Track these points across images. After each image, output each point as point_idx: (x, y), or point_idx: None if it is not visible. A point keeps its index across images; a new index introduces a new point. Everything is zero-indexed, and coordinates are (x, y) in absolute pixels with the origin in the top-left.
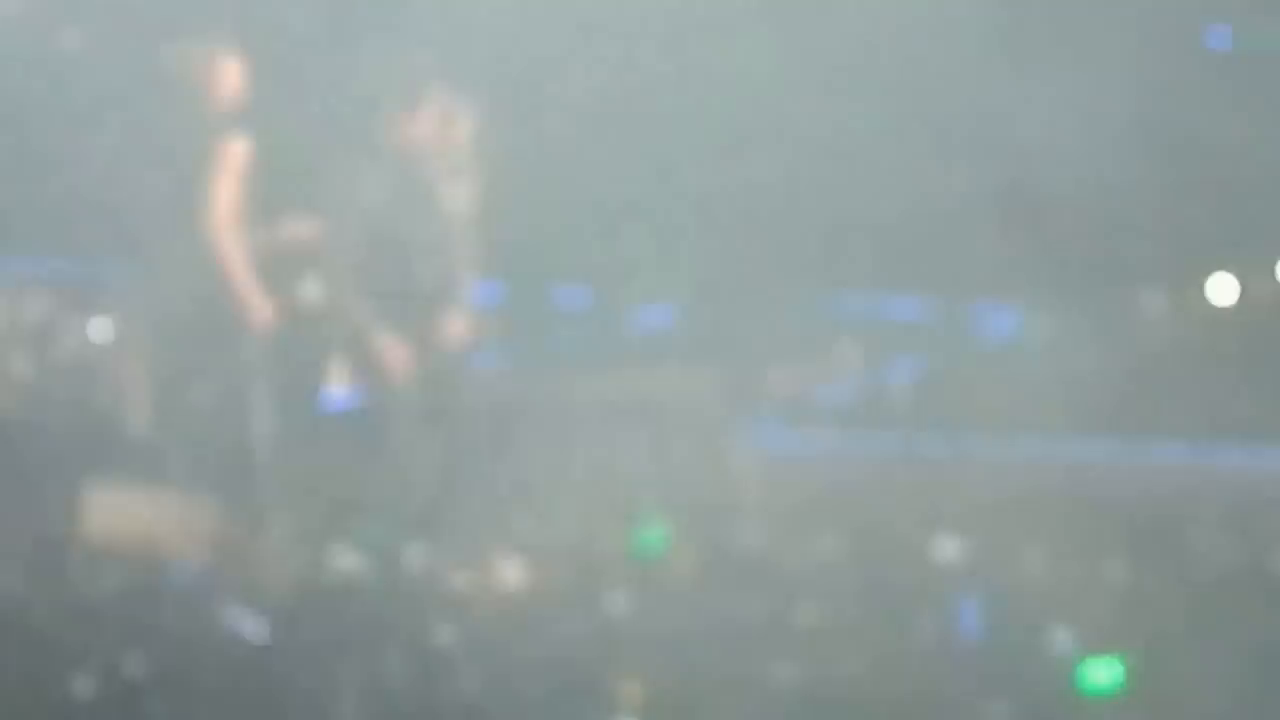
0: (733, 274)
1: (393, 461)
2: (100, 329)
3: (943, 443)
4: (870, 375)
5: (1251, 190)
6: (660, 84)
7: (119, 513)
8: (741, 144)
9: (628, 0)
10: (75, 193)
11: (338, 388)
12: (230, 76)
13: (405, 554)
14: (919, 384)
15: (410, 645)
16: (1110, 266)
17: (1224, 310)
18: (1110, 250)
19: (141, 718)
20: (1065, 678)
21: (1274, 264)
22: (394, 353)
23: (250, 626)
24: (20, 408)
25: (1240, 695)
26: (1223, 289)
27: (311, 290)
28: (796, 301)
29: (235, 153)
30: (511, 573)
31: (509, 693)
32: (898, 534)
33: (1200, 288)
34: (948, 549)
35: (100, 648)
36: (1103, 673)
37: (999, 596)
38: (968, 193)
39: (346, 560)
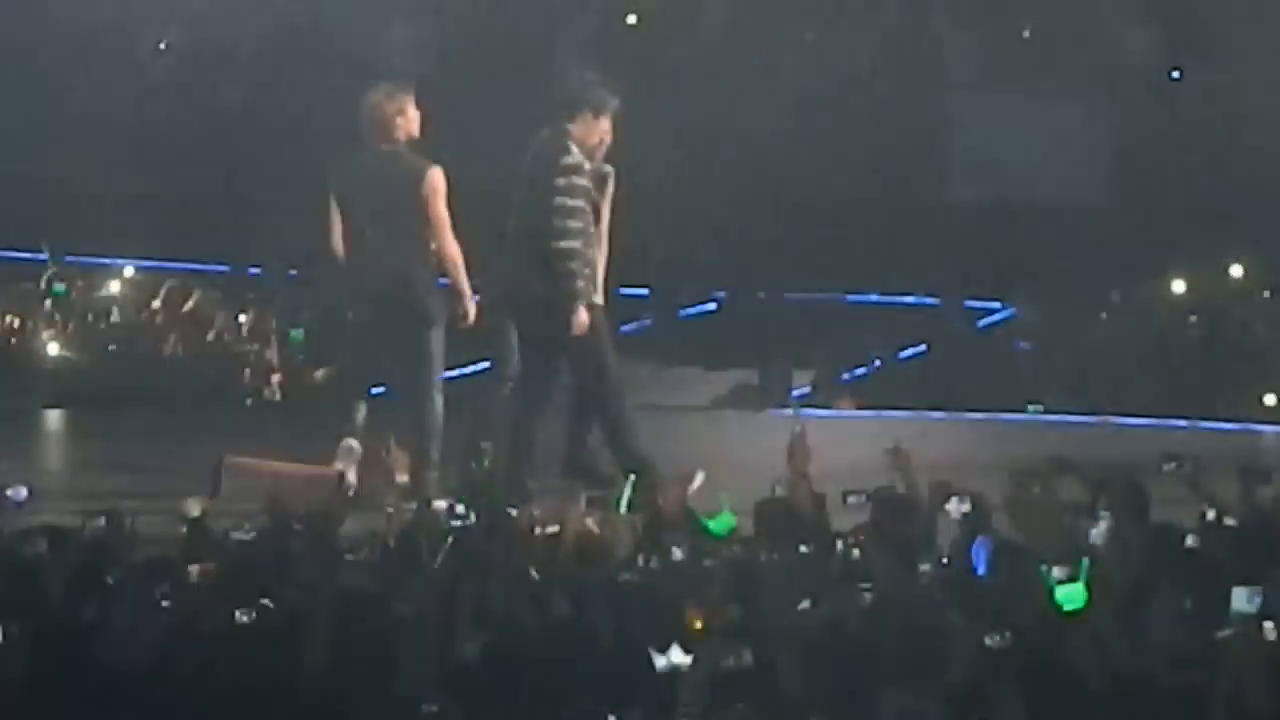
0: (767, 273)
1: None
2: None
3: (948, 415)
4: (887, 359)
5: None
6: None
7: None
8: (771, 156)
9: None
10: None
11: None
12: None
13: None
14: (927, 366)
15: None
16: (1086, 269)
17: (1181, 304)
18: (1087, 255)
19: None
20: (1046, 601)
21: (1227, 265)
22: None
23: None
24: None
25: (1179, 614)
26: (1180, 287)
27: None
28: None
29: (440, 176)
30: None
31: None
32: (914, 494)
33: (1168, 286)
34: (954, 504)
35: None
36: (1072, 595)
37: (997, 542)
38: (968, 207)
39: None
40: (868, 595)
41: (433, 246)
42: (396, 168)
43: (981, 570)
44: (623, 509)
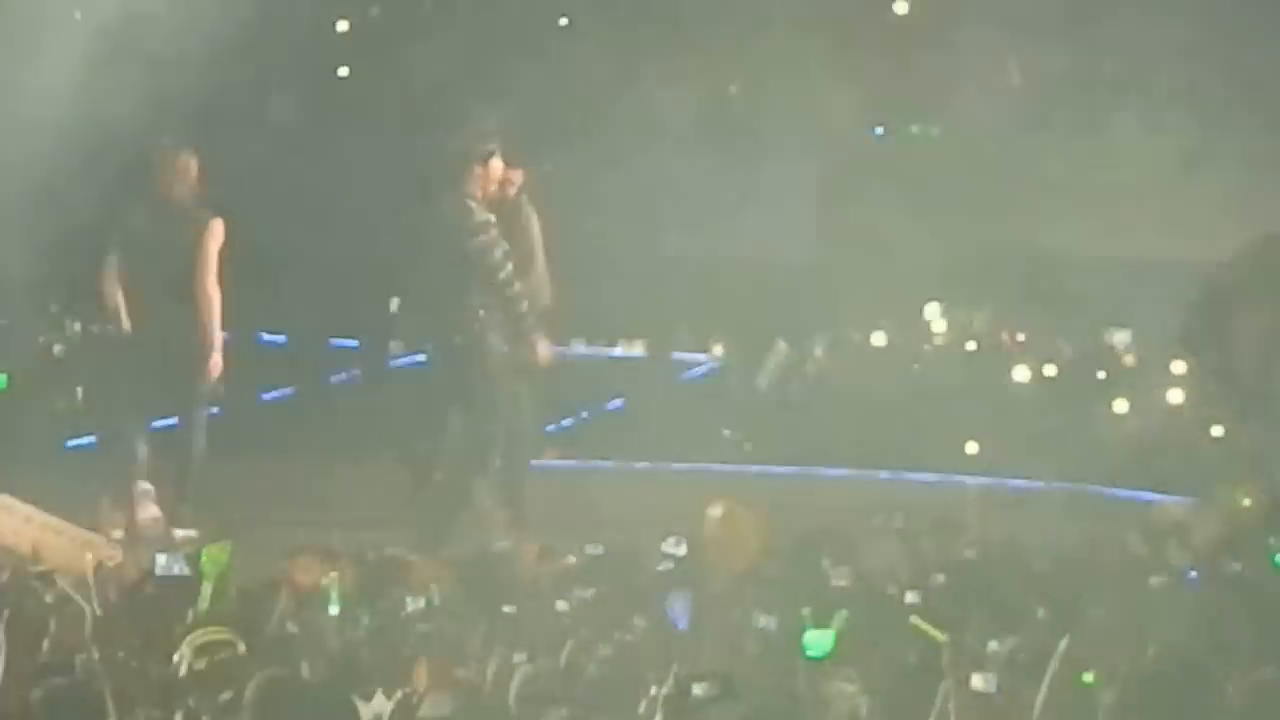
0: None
1: None
2: None
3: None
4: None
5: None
6: None
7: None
8: None
9: None
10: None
11: None
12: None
13: None
14: (631, 416)
15: None
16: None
17: (880, 354)
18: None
19: None
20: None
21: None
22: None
23: None
24: None
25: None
26: (880, 336)
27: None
28: None
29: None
30: None
31: None
32: (633, 538)
33: (866, 336)
34: (670, 543)
35: None
36: (820, 641)
37: (712, 589)
38: (678, 260)
39: None
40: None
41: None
42: (176, 218)
43: (682, 625)
44: None
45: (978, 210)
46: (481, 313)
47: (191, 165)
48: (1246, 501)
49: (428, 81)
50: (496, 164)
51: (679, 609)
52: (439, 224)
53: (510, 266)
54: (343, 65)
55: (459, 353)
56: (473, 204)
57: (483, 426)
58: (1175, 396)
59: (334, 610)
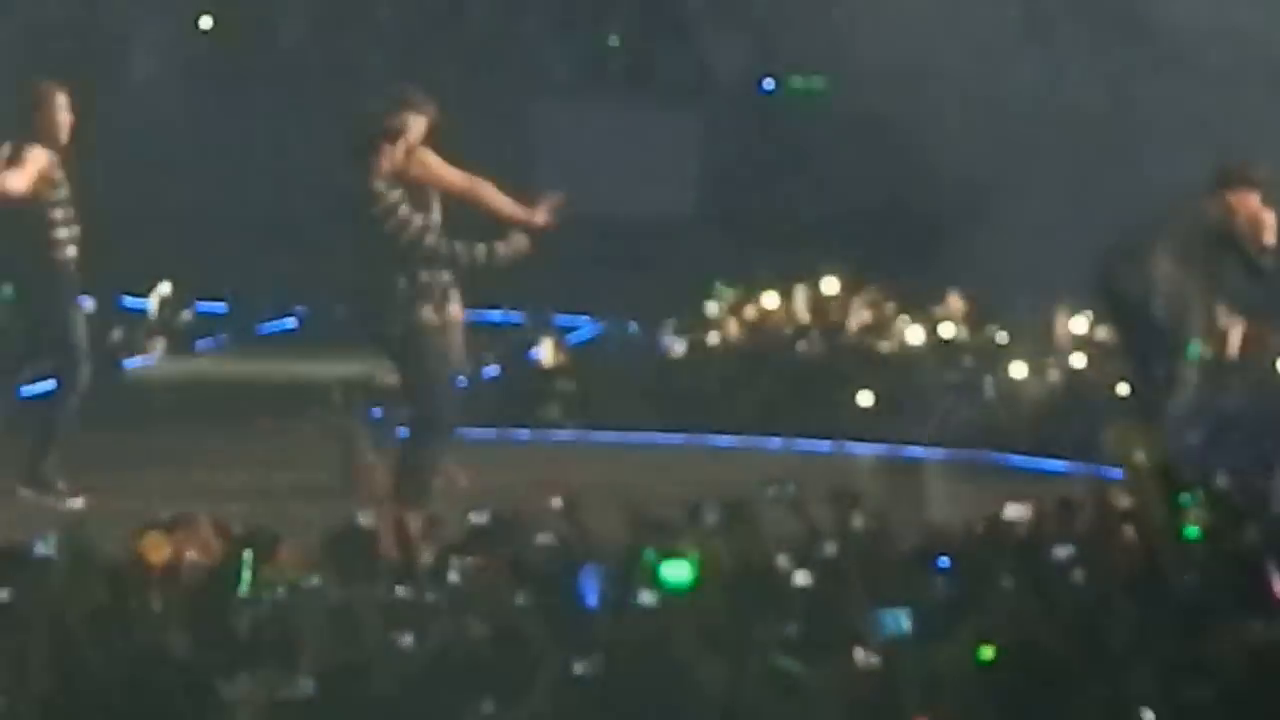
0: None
1: None
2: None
3: (533, 434)
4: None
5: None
6: None
7: None
8: None
9: None
10: None
11: None
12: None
13: None
14: (507, 383)
15: None
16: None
17: (775, 317)
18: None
19: None
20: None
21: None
22: None
23: None
24: None
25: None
26: (773, 301)
27: None
28: None
29: None
30: None
31: None
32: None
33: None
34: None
35: None
36: (678, 569)
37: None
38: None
39: None
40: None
41: None
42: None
43: (592, 601)
44: None
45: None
46: (405, 287)
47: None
48: (1140, 455)
49: (303, 35)
50: (414, 137)
51: (588, 584)
52: (349, 204)
53: (431, 235)
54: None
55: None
56: (380, 185)
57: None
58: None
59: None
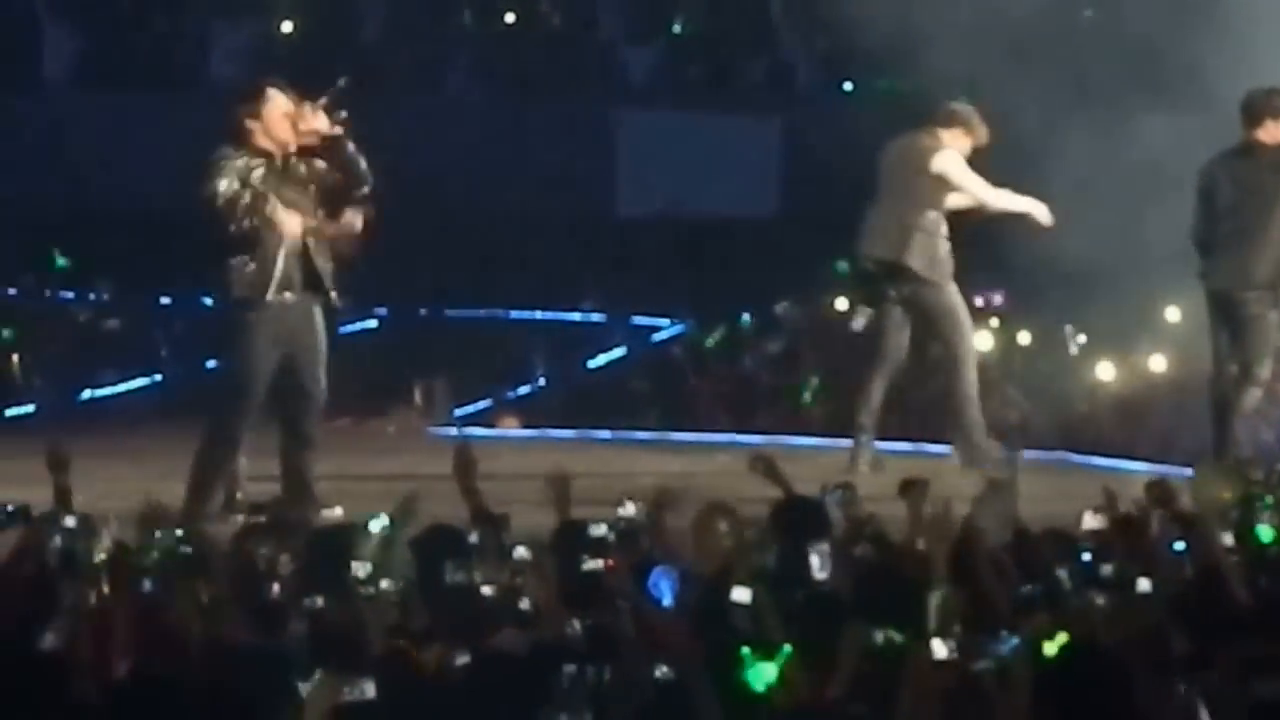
0: (429, 288)
1: None
2: None
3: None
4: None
5: None
6: None
7: None
8: None
9: None
10: None
11: None
12: None
13: None
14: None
15: None
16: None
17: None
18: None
19: None
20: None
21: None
22: None
23: None
24: None
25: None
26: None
27: None
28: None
29: None
30: None
31: None
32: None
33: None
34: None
35: None
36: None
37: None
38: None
39: None
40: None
41: None
42: None
43: (667, 601)
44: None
45: None
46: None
47: None
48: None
49: (383, 38)
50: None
51: (664, 584)
52: None
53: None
54: None
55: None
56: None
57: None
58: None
59: None
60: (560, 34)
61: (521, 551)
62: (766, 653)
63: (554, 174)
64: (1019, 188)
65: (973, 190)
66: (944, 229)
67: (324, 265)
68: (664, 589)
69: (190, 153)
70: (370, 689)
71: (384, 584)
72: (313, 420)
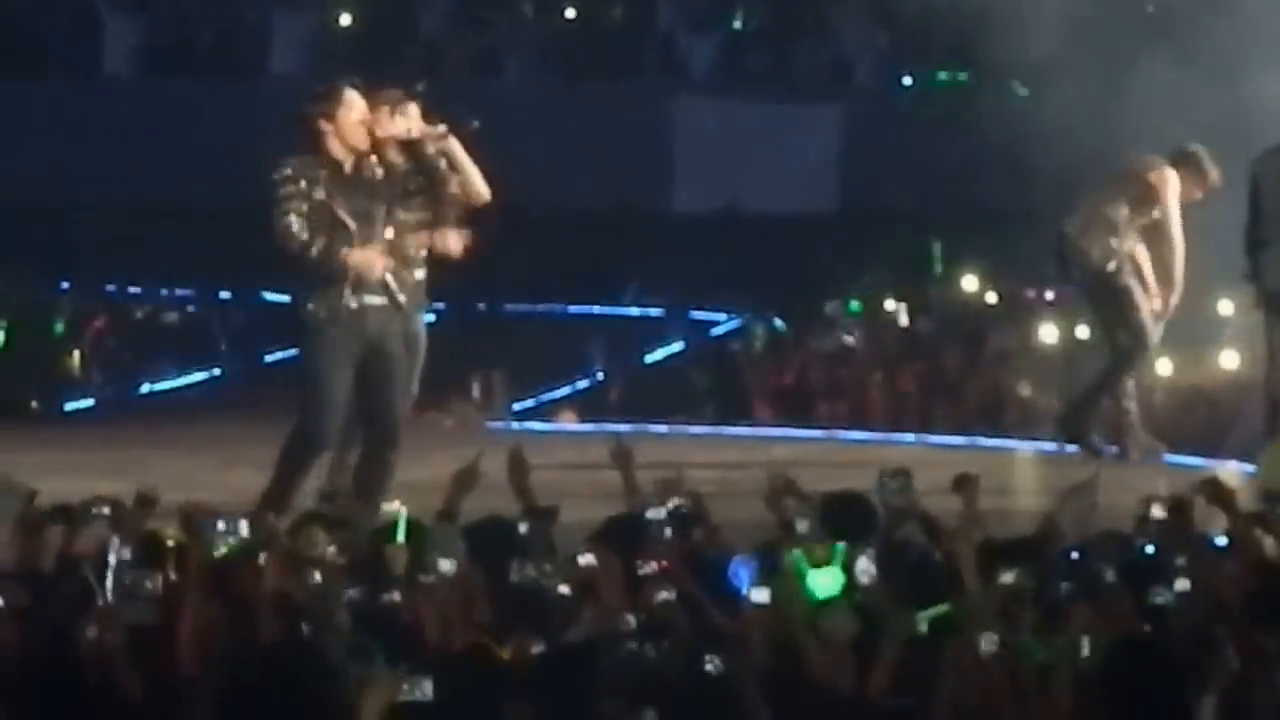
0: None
1: None
2: None
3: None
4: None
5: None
6: None
7: None
8: None
9: None
10: None
11: None
12: None
13: None
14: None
15: None
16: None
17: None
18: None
19: None
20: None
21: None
22: None
23: None
24: None
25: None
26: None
27: None
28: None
29: None
30: None
31: None
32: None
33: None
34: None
35: None
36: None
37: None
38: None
39: None
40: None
41: None
42: None
43: (745, 591)
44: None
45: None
46: None
47: None
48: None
49: (442, 30)
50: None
51: (743, 573)
52: None
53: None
54: None
55: None
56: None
57: None
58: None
59: None
60: (620, 25)
61: (588, 558)
62: (821, 558)
63: (610, 166)
64: (1074, 178)
65: None
66: None
67: (399, 270)
68: (743, 579)
69: (251, 144)
70: (429, 688)
71: (443, 572)
72: (390, 426)
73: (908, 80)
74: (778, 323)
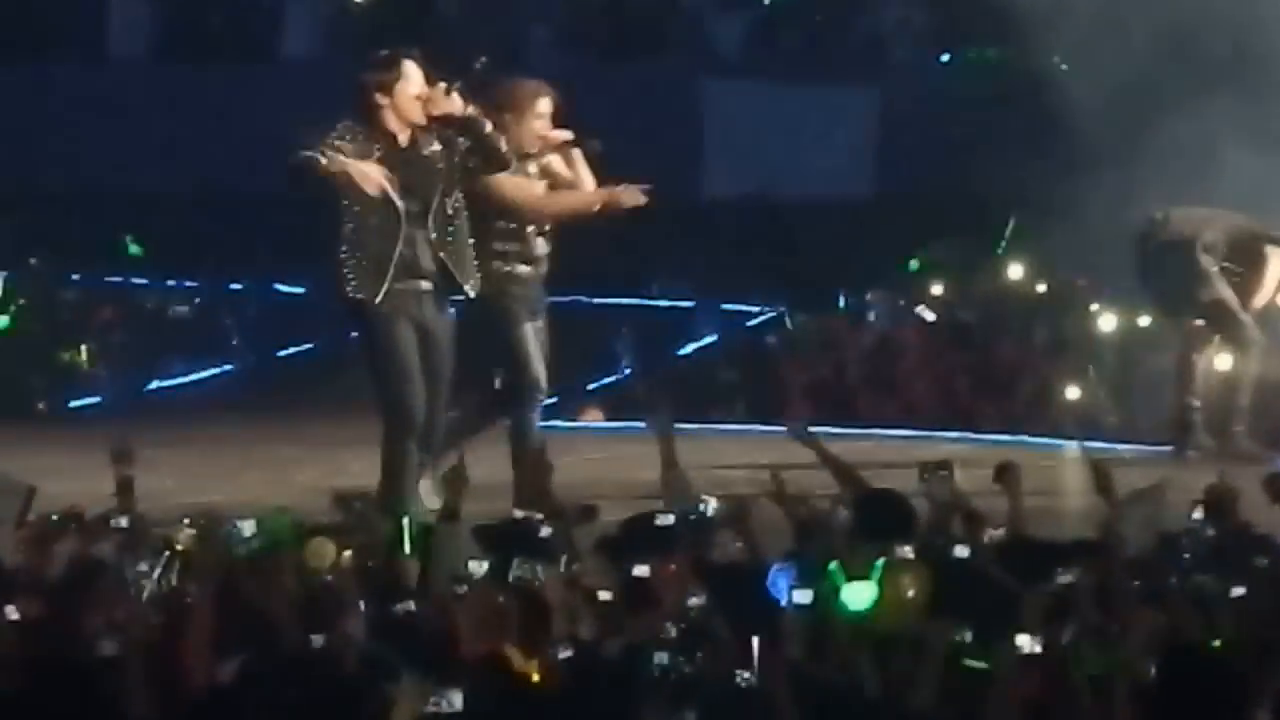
0: None
1: None
2: None
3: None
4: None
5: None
6: None
7: None
8: None
9: None
10: None
11: None
12: None
13: None
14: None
15: None
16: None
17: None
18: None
19: None
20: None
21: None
22: None
23: None
24: None
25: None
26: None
27: None
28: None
29: None
30: None
31: None
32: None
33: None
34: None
35: None
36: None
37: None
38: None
39: None
40: None
41: None
42: None
43: (784, 600)
44: None
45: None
46: None
47: None
48: None
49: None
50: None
51: (782, 582)
52: None
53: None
54: None
55: None
56: None
57: None
58: None
59: None
60: (645, 2)
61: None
62: (860, 572)
63: (637, 150)
64: (1116, 162)
65: None
66: None
67: (455, 250)
68: (781, 587)
69: (263, 128)
70: (458, 700)
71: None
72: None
73: (945, 58)
74: (812, 314)
